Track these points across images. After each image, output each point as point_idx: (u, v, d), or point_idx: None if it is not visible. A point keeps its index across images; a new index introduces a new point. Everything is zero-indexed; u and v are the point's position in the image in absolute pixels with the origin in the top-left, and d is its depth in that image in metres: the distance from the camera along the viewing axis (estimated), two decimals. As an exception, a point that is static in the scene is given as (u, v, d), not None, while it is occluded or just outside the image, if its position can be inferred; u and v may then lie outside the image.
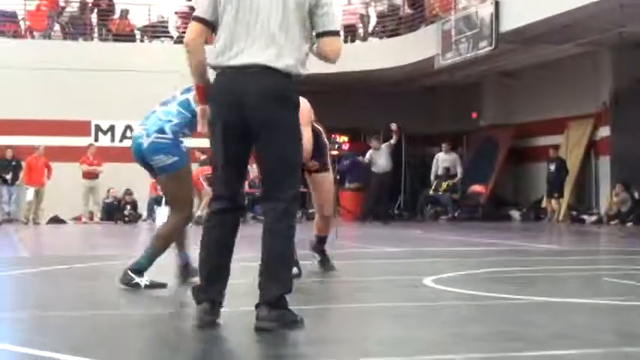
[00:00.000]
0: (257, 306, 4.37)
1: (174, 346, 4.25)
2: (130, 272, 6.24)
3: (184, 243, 6.65)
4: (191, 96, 6.14)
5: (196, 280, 6.10)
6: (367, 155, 20.59)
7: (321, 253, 7.75)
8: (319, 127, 7.36)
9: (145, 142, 6.26)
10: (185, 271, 6.65)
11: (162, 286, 6.30)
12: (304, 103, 6.79)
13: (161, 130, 6.24)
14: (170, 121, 6.24)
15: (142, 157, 6.36)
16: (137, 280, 6.20)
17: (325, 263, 7.66)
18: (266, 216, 4.49)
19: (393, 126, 19.27)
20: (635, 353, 3.88)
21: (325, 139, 7.44)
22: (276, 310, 4.33)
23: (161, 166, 6.28)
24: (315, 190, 7.47)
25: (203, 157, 18.33)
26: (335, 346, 4.12)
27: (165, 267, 6.63)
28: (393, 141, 19.81)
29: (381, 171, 20.36)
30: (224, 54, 4.51)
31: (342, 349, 4.04)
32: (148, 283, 6.20)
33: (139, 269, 6.26)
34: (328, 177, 7.42)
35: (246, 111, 4.41)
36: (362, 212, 21.57)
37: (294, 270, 7.10)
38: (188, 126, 6.29)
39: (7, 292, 6.69)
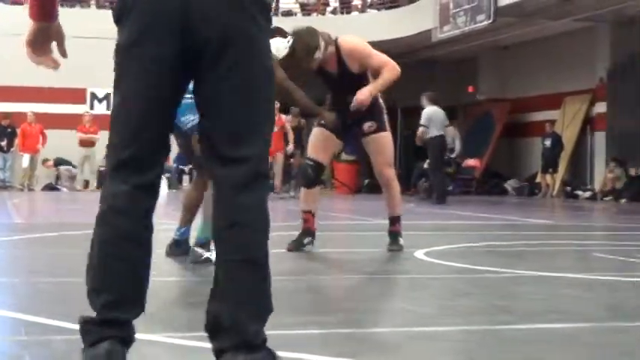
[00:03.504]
0: (221, 351, 2.65)
1: (164, 315, 4.25)
2: (196, 249, 5.98)
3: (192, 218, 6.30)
4: None
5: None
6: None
7: (393, 235, 6.98)
8: None
9: None
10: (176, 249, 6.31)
11: None
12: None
13: (189, 92, 5.98)
14: None
15: (176, 126, 5.96)
16: (206, 254, 5.91)
17: (394, 246, 6.92)
18: (222, 190, 2.71)
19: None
20: (623, 327, 3.89)
21: (381, 101, 6.96)
22: (258, 353, 2.64)
23: (190, 125, 5.93)
24: (372, 153, 6.95)
25: None
26: (323, 316, 4.12)
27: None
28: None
29: None
30: None
31: (331, 319, 4.05)
32: None
33: (203, 242, 5.96)
34: (387, 136, 6.93)
35: (198, 24, 2.65)
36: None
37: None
38: None
39: (-1, 258, 6.69)
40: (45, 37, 2.85)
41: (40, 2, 2.77)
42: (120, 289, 2.68)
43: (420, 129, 16.24)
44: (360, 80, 6.72)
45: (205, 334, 2.70)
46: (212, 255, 5.86)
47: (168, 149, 2.81)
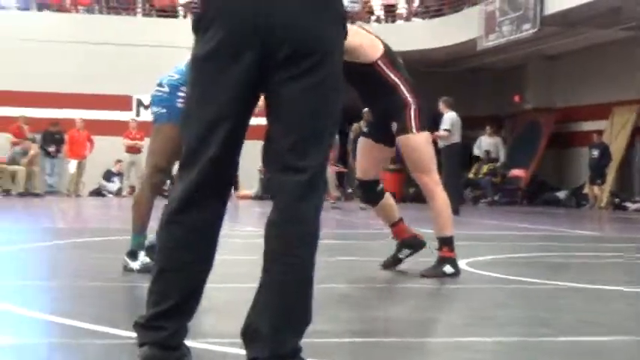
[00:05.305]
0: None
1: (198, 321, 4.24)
2: (124, 257, 5.80)
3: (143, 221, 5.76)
4: None
5: None
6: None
7: (445, 262, 5.99)
8: (397, 80, 5.99)
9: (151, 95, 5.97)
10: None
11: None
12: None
13: (160, 84, 5.87)
14: (172, 76, 5.82)
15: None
16: (130, 264, 5.74)
17: (429, 271, 5.99)
18: (279, 196, 2.69)
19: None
20: (664, 342, 3.82)
21: (407, 97, 5.98)
22: None
23: (155, 117, 5.83)
24: (405, 159, 6.12)
25: None
26: (361, 324, 4.10)
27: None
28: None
29: None
30: None
31: (364, 327, 4.02)
32: (138, 268, 5.68)
33: (131, 250, 5.77)
34: (413, 138, 5.96)
35: (280, 35, 2.64)
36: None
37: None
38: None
39: (38, 262, 6.75)
40: None
41: None
42: (168, 298, 2.70)
43: (443, 133, 15.22)
44: (368, 73, 5.94)
45: (239, 341, 2.70)
46: (135, 265, 5.70)
47: (236, 160, 2.76)
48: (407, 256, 6.30)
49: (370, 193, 6.33)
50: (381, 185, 6.36)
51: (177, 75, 5.77)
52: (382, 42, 6.11)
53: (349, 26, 5.93)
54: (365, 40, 5.97)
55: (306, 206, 2.66)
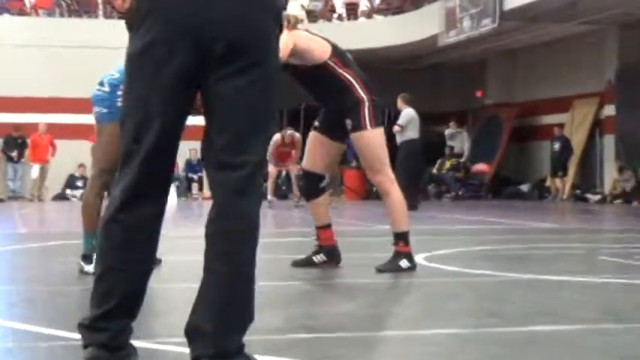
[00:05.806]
0: (197, 358, 2.66)
1: (148, 321, 4.25)
2: (79, 262, 5.73)
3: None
4: None
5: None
6: None
7: (394, 255, 6.01)
8: (349, 77, 5.98)
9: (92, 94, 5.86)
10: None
11: None
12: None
13: (100, 83, 5.83)
14: (112, 74, 5.77)
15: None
16: (85, 268, 5.64)
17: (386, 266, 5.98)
18: (217, 193, 2.69)
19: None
20: (612, 329, 3.87)
21: (361, 94, 5.95)
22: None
23: (96, 117, 5.78)
24: (358, 154, 6.16)
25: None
26: (312, 320, 4.12)
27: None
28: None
29: None
30: None
31: (321, 323, 4.05)
32: (92, 270, 5.33)
33: (85, 254, 5.70)
34: (366, 136, 5.95)
35: (216, 29, 2.62)
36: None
37: None
38: None
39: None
40: None
41: None
42: (111, 299, 2.69)
43: (396, 127, 15.04)
44: (320, 74, 5.97)
45: (184, 340, 2.71)
46: (89, 268, 5.54)
47: (173, 160, 2.76)
48: (320, 263, 6.24)
49: (312, 186, 6.28)
50: (324, 183, 6.34)
51: (117, 74, 5.68)
52: (329, 42, 6.11)
53: (297, 31, 6.05)
54: (312, 42, 5.99)
55: (246, 202, 2.65)
